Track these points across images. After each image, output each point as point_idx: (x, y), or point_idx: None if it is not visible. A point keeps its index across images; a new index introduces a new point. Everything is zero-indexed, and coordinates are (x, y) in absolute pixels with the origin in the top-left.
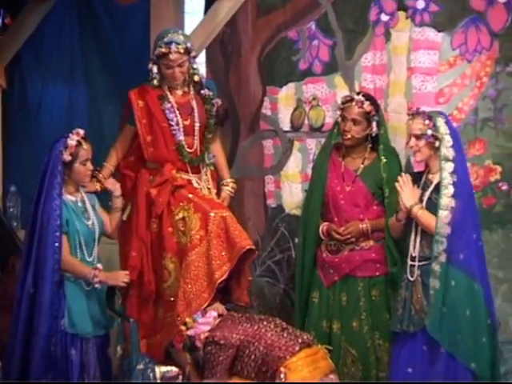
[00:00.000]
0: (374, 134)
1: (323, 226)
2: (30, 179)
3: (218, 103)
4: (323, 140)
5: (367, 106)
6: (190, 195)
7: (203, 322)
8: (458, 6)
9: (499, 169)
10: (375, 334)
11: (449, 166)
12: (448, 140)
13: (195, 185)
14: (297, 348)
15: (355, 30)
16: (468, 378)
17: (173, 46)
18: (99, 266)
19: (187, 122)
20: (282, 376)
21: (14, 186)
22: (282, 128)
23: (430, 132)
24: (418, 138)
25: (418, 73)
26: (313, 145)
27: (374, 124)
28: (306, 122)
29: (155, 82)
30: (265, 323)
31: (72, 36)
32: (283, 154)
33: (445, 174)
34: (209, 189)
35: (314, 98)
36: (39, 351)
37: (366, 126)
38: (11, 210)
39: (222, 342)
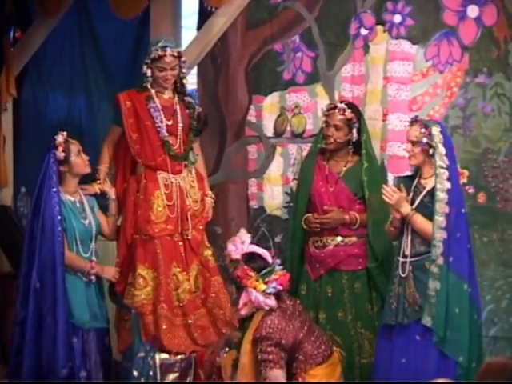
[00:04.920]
0: (354, 140)
1: (305, 217)
2: (37, 181)
3: (198, 110)
4: (304, 145)
5: (349, 113)
6: None
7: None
8: (431, 21)
9: (466, 173)
10: (358, 324)
11: (443, 174)
12: (442, 149)
13: (173, 185)
14: (324, 359)
15: (336, 43)
16: (459, 367)
17: (168, 50)
18: (94, 259)
19: (170, 122)
20: (300, 380)
21: (24, 188)
22: (265, 134)
23: (425, 140)
24: (413, 144)
25: (393, 82)
26: (294, 150)
27: (355, 130)
28: (289, 128)
29: (148, 84)
30: (306, 329)
31: (72, 50)
32: (266, 158)
33: (439, 181)
34: (193, 187)
35: (296, 106)
36: (62, 341)
37: (347, 132)
38: (22, 209)
39: (282, 341)
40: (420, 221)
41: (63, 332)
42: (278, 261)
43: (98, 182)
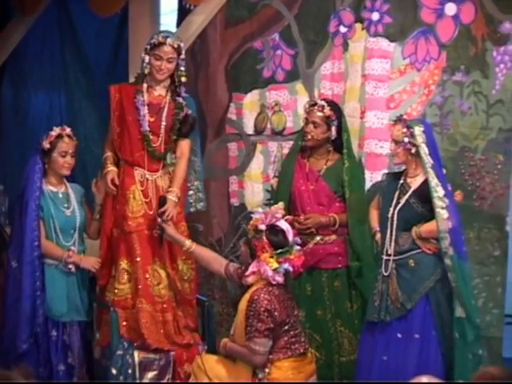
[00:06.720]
0: (333, 138)
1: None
2: (16, 178)
3: (187, 111)
4: (284, 143)
5: (327, 110)
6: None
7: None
8: (409, 18)
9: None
10: (337, 322)
11: (431, 171)
12: (425, 148)
13: (149, 182)
14: (293, 355)
15: (316, 41)
16: (439, 362)
17: (169, 39)
18: (73, 248)
19: (152, 119)
20: (267, 370)
21: (2, 185)
22: (245, 132)
23: (406, 140)
24: (396, 143)
25: (371, 79)
26: (274, 147)
27: (333, 128)
28: (269, 126)
29: (146, 70)
30: (292, 321)
31: (53, 48)
32: (246, 156)
33: (430, 179)
34: (169, 187)
35: (276, 104)
36: (24, 314)
37: (326, 130)
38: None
39: (275, 313)
40: (427, 229)
41: (26, 303)
42: (298, 240)
43: (95, 180)
